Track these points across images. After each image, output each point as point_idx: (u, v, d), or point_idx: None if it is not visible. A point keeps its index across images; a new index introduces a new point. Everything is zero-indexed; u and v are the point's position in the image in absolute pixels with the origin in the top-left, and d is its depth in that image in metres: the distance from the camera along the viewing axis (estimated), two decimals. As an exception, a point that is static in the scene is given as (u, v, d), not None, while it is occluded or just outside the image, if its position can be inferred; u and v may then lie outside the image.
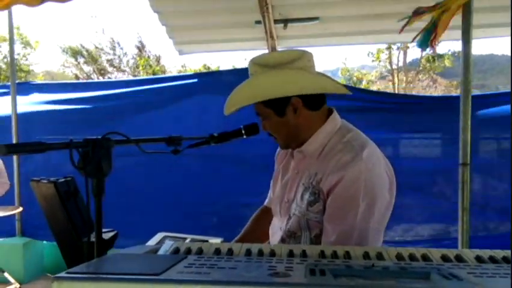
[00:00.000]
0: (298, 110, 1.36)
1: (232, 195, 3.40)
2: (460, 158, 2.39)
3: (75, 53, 18.27)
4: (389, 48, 17.18)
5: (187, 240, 1.86)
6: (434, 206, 3.37)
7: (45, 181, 1.68)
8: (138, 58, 17.66)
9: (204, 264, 0.84)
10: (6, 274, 3.38)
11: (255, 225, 1.80)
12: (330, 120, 1.41)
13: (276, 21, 3.52)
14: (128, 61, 18.13)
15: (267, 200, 1.84)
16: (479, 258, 0.98)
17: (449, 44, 15.27)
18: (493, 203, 3.26)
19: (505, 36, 3.29)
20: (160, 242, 1.91)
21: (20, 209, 3.32)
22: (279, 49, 3.79)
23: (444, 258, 0.98)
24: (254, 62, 1.41)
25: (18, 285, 3.39)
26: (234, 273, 0.78)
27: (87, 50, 18.19)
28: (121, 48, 18.14)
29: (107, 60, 18.32)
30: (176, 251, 1.07)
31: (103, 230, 1.71)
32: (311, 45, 3.81)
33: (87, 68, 18.36)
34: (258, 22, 3.56)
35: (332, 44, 3.66)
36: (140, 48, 18.31)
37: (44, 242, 4.44)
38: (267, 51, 3.86)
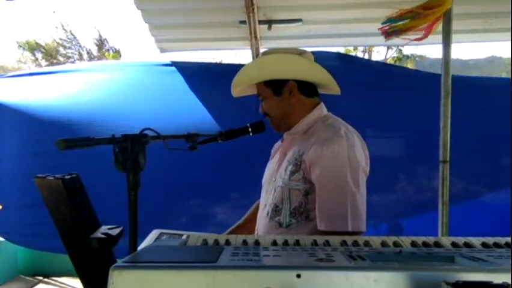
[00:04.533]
0: (293, 92, 1.57)
1: (224, 192, 3.45)
2: (440, 156, 2.55)
3: (32, 48, 17.64)
4: (355, 49, 17.61)
5: (183, 237, 1.90)
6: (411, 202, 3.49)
7: (51, 177, 1.67)
8: (100, 54, 17.28)
9: (247, 253, 0.89)
10: (-17, 276, 3.27)
11: (252, 216, 1.89)
12: (317, 108, 1.61)
13: (260, 22, 3.58)
14: (89, 55, 17.69)
15: None
16: (485, 244, 1.09)
17: (411, 49, 15.85)
18: (466, 201, 3.41)
19: (483, 41, 3.52)
20: (158, 239, 1.94)
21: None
22: (263, 49, 3.85)
23: (455, 245, 1.08)
24: (264, 52, 1.70)
25: (-4, 287, 3.28)
26: (283, 260, 0.84)
27: (46, 45, 17.61)
28: (79, 44, 17.73)
29: (66, 56, 17.80)
30: (205, 243, 1.11)
31: (109, 226, 1.73)
32: (293, 46, 3.90)
33: (45, 64, 17.74)
34: (242, 22, 3.61)
35: (314, 45, 3.76)
36: (99, 44, 17.94)
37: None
38: (250, 51, 3.92)
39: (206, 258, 0.82)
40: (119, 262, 0.81)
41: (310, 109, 1.59)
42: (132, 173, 0.99)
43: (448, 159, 2.52)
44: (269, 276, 0.75)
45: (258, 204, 1.92)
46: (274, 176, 1.63)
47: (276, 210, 1.52)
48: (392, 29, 2.55)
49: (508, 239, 1.12)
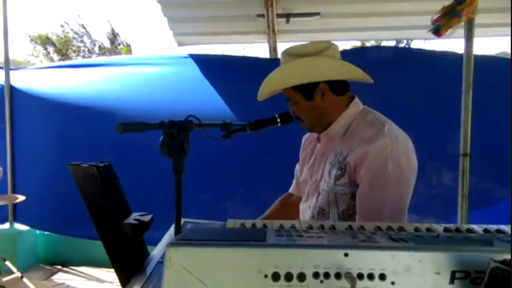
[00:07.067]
0: (326, 95, 1.50)
1: (250, 182, 3.49)
2: (461, 149, 2.57)
3: (44, 42, 17.72)
4: (363, 45, 17.51)
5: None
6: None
7: (85, 165, 1.72)
8: (112, 48, 17.34)
9: (290, 234, 0.92)
10: (7, 263, 3.35)
11: (278, 208, 1.89)
12: (352, 104, 1.54)
13: (278, 16, 3.61)
14: (101, 50, 17.75)
15: (291, 187, 1.93)
16: (516, 231, 1.11)
17: (419, 44, 15.73)
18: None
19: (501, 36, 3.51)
20: (183, 227, 1.98)
21: (23, 197, 3.28)
22: (280, 43, 3.87)
23: (487, 231, 1.10)
24: (286, 52, 1.54)
25: (19, 275, 3.36)
26: (328, 241, 0.87)
27: (58, 38, 17.69)
28: (91, 38, 17.77)
29: (77, 50, 17.87)
30: (243, 226, 1.14)
31: (140, 213, 1.78)
32: (311, 40, 3.92)
33: (57, 58, 17.82)
34: (260, 16, 3.63)
35: (331, 39, 3.75)
36: (112, 38, 17.97)
37: (38, 231, 4.40)
38: (267, 45, 3.94)
39: (255, 237, 0.85)
40: (173, 239, 0.84)
41: (345, 107, 1.53)
42: (177, 158, 1.02)
43: (468, 152, 2.54)
44: (318, 255, 0.79)
45: (284, 200, 1.93)
46: (315, 177, 1.60)
47: (323, 213, 1.52)
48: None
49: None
